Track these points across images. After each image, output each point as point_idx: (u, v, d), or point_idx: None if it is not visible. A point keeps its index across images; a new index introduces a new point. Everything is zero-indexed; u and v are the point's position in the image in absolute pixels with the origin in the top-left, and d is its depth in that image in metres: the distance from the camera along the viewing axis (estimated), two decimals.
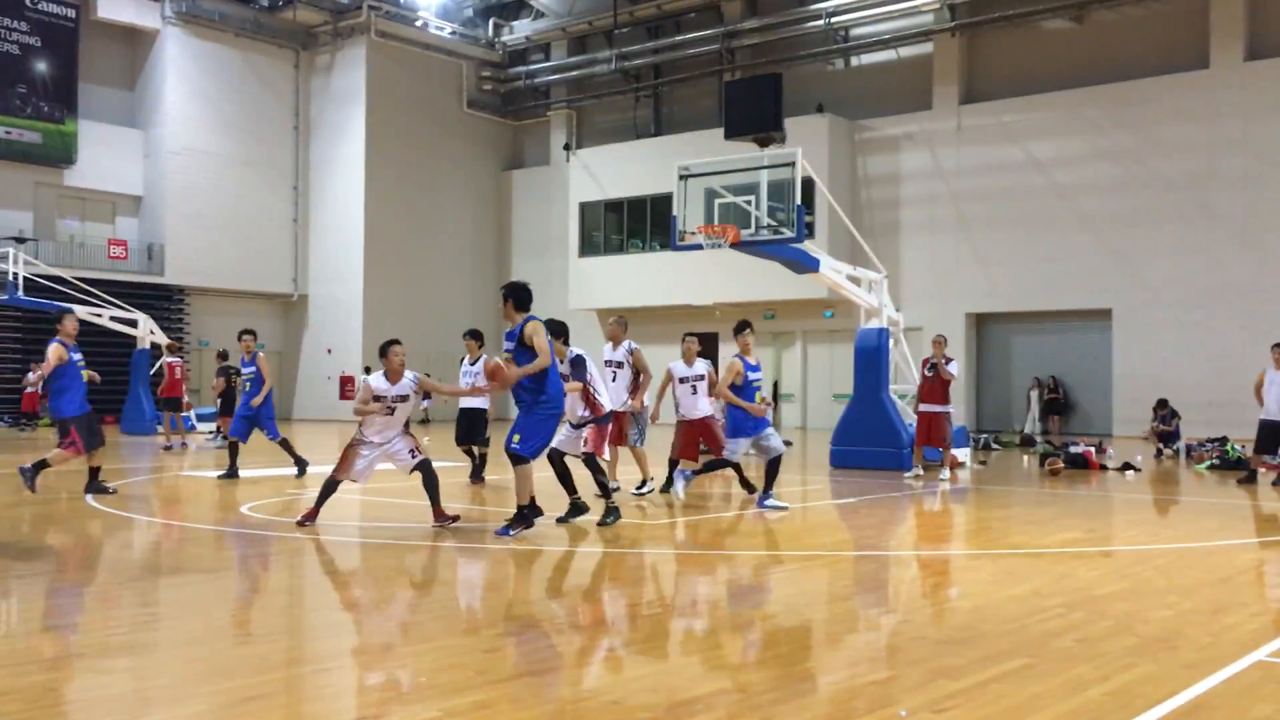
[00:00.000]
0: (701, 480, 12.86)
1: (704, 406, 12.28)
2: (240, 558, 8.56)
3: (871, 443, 16.31)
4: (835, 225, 28.54)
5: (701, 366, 12.37)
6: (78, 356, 11.93)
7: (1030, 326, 30.19)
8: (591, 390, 10.12)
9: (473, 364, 13.41)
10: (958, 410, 28.49)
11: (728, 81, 26.30)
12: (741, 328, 11.57)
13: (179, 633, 5.95)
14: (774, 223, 15.06)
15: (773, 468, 11.17)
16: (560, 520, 9.68)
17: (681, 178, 15.57)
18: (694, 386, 12.23)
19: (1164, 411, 20.14)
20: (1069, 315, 29.16)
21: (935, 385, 14.91)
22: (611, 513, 9.75)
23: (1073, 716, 4.29)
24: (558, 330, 9.84)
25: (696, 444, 12.47)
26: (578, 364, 10.06)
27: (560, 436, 9.62)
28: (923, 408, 15.07)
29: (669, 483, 12.12)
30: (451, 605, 6.81)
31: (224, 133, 35.94)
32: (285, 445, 14.87)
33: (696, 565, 8.31)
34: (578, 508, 9.72)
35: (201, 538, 9.31)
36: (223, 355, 22.83)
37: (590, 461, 10.17)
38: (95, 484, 12.15)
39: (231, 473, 14.15)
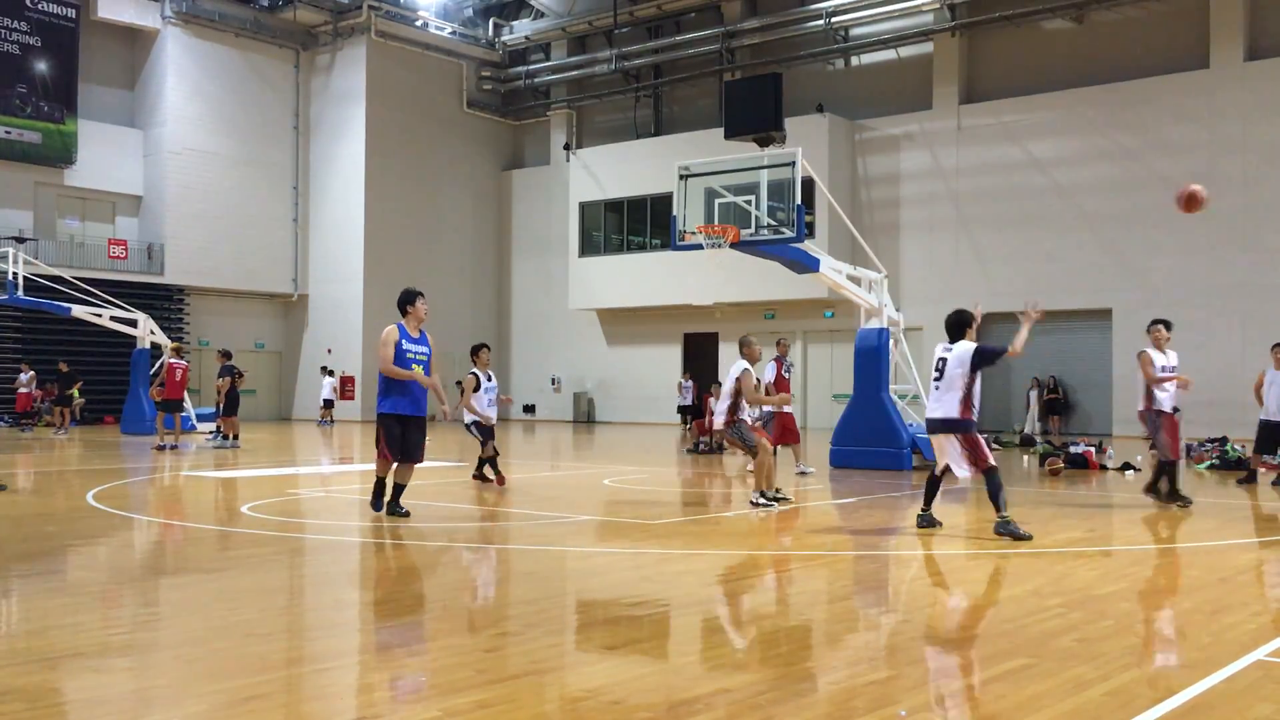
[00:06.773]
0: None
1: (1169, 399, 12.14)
2: (240, 558, 8.55)
3: (871, 443, 16.32)
4: (835, 225, 28.56)
5: (1174, 357, 12.33)
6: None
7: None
8: None
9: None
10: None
11: (728, 81, 26.26)
12: None
13: (179, 633, 5.95)
14: (774, 222, 15.06)
15: None
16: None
17: (681, 177, 15.57)
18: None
19: None
20: (1069, 315, 29.15)
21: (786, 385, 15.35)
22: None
23: (1073, 716, 4.29)
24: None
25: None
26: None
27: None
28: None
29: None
30: (451, 605, 6.81)
31: (224, 133, 35.93)
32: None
33: (693, 565, 8.31)
34: None
35: (201, 538, 9.31)
36: (225, 354, 22.80)
37: None
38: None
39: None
